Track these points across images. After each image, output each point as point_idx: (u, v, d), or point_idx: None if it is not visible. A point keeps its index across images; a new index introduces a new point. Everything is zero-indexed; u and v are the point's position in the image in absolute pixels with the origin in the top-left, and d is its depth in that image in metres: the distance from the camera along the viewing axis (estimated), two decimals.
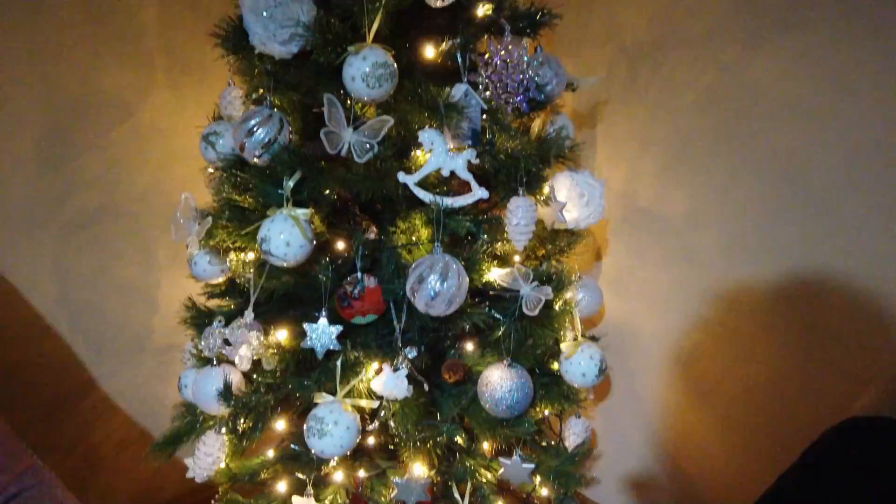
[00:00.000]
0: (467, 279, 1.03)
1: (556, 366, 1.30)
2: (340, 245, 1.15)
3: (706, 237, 1.38)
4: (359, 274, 1.11)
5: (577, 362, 1.20)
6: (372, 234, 1.16)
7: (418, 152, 1.10)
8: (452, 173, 1.05)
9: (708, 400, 1.46)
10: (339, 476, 1.20)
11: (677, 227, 1.43)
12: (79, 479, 1.57)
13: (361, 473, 1.21)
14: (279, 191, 1.02)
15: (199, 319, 1.31)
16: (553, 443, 1.35)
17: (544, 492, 1.29)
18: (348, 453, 1.05)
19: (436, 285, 1.00)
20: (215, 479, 1.23)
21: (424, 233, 1.12)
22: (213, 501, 1.18)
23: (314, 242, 1.03)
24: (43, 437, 1.49)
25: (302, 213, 1.02)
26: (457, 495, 1.18)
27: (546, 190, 1.16)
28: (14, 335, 1.41)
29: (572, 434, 1.34)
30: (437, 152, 1.04)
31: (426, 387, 1.15)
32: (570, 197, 1.20)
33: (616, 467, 1.70)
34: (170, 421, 1.35)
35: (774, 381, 1.32)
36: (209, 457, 1.18)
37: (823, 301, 1.20)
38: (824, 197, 1.18)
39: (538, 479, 1.26)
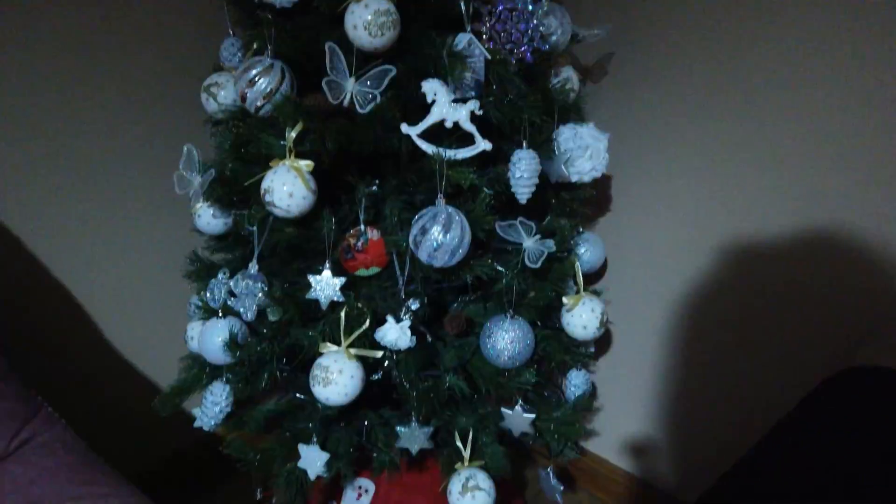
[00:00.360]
0: (470, 231, 1.03)
1: (555, 319, 1.32)
2: (343, 198, 1.15)
3: (712, 192, 1.38)
4: (362, 226, 1.12)
5: (578, 315, 1.21)
6: (375, 186, 1.16)
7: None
8: (456, 125, 1.04)
9: (709, 352, 1.48)
10: (342, 424, 1.22)
11: (682, 183, 1.43)
12: (84, 425, 1.60)
13: (365, 422, 1.23)
14: (281, 142, 1.02)
15: (204, 272, 1.32)
16: (554, 394, 1.38)
17: (544, 441, 1.32)
18: (352, 402, 1.07)
19: (438, 237, 1.00)
20: (222, 429, 1.25)
21: (427, 185, 1.12)
22: (220, 448, 1.21)
23: (317, 194, 1.03)
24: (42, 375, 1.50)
25: (304, 164, 1.02)
26: (459, 443, 1.21)
27: (550, 143, 1.16)
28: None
29: (573, 386, 1.37)
30: (441, 103, 1.03)
31: (429, 338, 1.17)
32: (573, 150, 1.20)
33: (616, 420, 1.73)
34: (176, 373, 1.37)
35: (776, 334, 1.33)
36: (216, 406, 1.20)
37: (828, 255, 1.20)
38: (831, 150, 1.17)
39: (539, 429, 1.29)
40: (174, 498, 1.76)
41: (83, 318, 1.55)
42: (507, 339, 1.11)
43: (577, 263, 1.24)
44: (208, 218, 1.25)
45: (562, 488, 1.31)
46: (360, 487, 1.50)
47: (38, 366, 1.47)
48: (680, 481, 1.62)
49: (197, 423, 1.26)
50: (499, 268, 1.14)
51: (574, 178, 1.22)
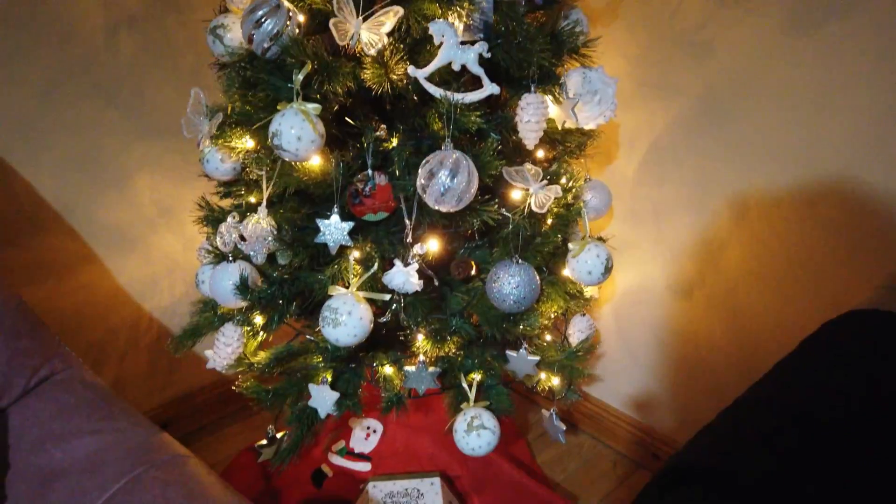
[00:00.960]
0: (477, 176, 1.03)
1: (565, 272, 1.33)
2: (351, 142, 1.16)
3: (723, 136, 1.37)
4: (369, 171, 1.12)
5: (583, 260, 1.22)
6: (382, 131, 1.16)
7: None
8: (463, 68, 1.03)
9: (715, 297, 1.49)
10: (352, 365, 1.25)
11: (692, 127, 1.42)
12: (94, 365, 1.64)
13: (374, 363, 1.26)
14: (289, 84, 1.01)
15: (213, 217, 1.33)
16: (558, 338, 1.40)
17: (548, 384, 1.35)
18: (361, 343, 1.09)
19: (446, 181, 1.00)
20: (234, 370, 1.29)
21: (435, 129, 1.12)
22: (233, 387, 1.24)
23: (325, 138, 1.04)
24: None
25: (312, 107, 1.02)
26: (464, 385, 1.24)
27: (558, 87, 1.15)
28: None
29: (577, 331, 1.39)
30: (448, 45, 1.02)
31: (436, 282, 1.18)
32: (582, 95, 1.19)
33: (618, 366, 1.76)
34: (188, 315, 1.40)
35: (787, 280, 1.34)
36: (228, 347, 1.23)
37: (842, 202, 1.21)
38: (843, 99, 1.16)
39: (542, 372, 1.32)
40: (188, 437, 1.82)
41: (91, 257, 1.58)
42: (512, 284, 1.13)
43: (584, 209, 1.24)
44: (217, 163, 1.25)
45: (564, 429, 1.35)
46: (368, 427, 1.55)
47: (49, 307, 1.51)
48: (679, 425, 1.66)
49: (210, 365, 1.29)
50: (505, 213, 1.14)
51: (582, 124, 1.21)
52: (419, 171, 1.02)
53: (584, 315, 1.40)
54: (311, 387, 1.20)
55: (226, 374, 1.33)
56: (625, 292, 1.69)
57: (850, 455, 0.69)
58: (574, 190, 1.23)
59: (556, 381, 1.33)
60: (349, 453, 1.53)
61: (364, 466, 1.51)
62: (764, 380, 0.86)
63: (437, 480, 1.41)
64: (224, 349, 1.24)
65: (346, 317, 1.05)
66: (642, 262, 1.61)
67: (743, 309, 1.43)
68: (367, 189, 1.12)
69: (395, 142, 1.13)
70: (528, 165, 1.13)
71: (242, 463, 1.54)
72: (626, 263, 1.63)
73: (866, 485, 0.66)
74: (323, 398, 1.19)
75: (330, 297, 1.09)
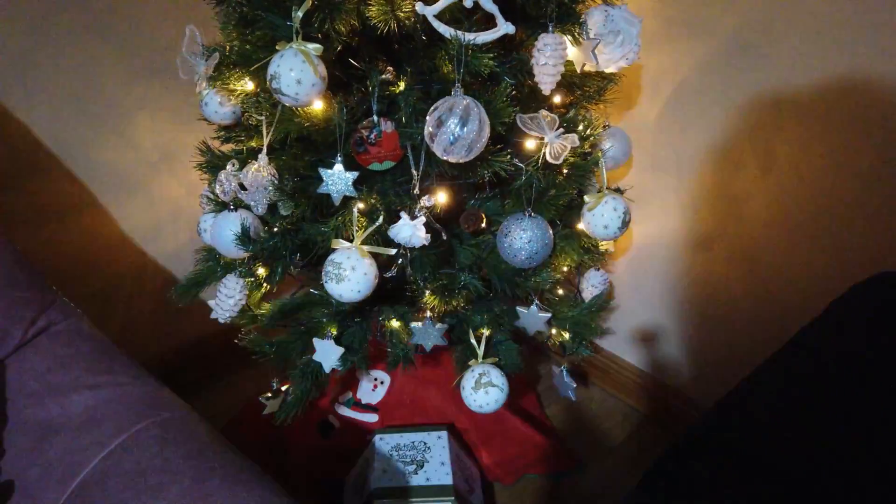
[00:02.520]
0: (489, 124, 0.97)
1: (579, 226, 1.28)
2: (355, 86, 1.09)
3: (754, 80, 1.28)
4: (375, 117, 1.06)
5: (599, 214, 1.16)
6: (389, 74, 1.09)
7: None
8: (476, 5, 0.95)
9: (736, 250, 1.43)
10: (357, 319, 1.22)
11: (721, 70, 1.33)
12: (98, 313, 1.63)
13: (380, 318, 1.23)
14: (288, 22, 0.94)
15: (214, 163, 1.28)
16: (570, 293, 1.36)
17: (559, 339, 1.32)
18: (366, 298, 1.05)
19: (455, 129, 0.94)
20: (237, 321, 1.26)
21: (444, 73, 1.05)
22: (235, 340, 1.22)
23: (327, 81, 0.97)
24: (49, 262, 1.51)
25: (313, 48, 0.94)
26: (473, 341, 1.20)
27: (578, 27, 1.06)
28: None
29: (590, 286, 1.34)
30: None
31: (444, 235, 1.13)
32: (603, 35, 1.10)
33: (631, 318, 1.72)
34: (193, 265, 1.37)
35: (813, 233, 1.27)
36: (230, 298, 1.20)
37: (880, 149, 1.13)
38: (888, 40, 1.07)
39: (554, 328, 1.28)
40: (191, 387, 1.82)
41: (92, 201, 1.54)
42: (524, 239, 1.08)
43: (602, 160, 1.17)
44: (215, 106, 1.19)
45: (575, 386, 1.32)
46: (375, 379, 1.53)
47: (50, 252, 1.48)
48: (692, 379, 1.63)
49: (213, 315, 1.26)
50: (518, 164, 1.08)
51: (603, 67, 1.13)
52: (427, 118, 0.96)
53: (598, 269, 1.35)
54: (316, 341, 1.17)
55: (232, 323, 1.30)
56: (641, 244, 1.63)
57: (881, 436, 0.65)
58: (592, 138, 1.15)
59: (567, 336, 1.29)
60: (356, 404, 1.52)
61: (371, 418, 1.50)
62: (790, 347, 0.82)
63: (444, 434, 1.40)
64: (226, 301, 1.20)
65: (350, 272, 1.01)
66: (661, 214, 1.55)
67: (764, 262, 1.37)
68: (372, 136, 1.06)
69: (402, 86, 1.06)
70: (543, 112, 1.06)
71: (249, 413, 1.53)
72: (644, 215, 1.57)
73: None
74: (327, 353, 1.16)
75: (333, 250, 1.04)
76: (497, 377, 1.17)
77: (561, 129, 1.06)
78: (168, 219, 1.69)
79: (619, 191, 1.23)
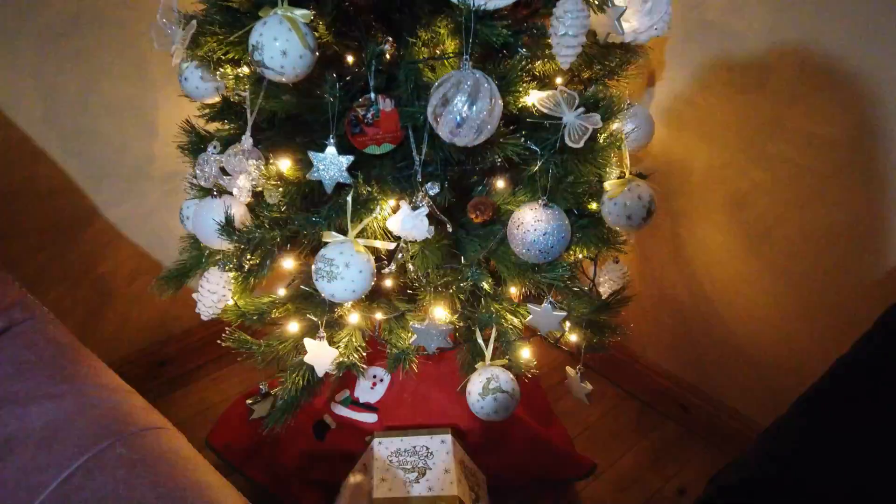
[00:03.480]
0: (501, 102, 0.85)
1: (593, 206, 1.16)
2: (350, 59, 0.97)
3: (786, 58, 1.16)
4: (372, 95, 0.94)
5: (622, 203, 1.05)
6: (387, 45, 0.97)
7: None
8: None
9: (760, 247, 1.33)
10: (354, 318, 1.11)
11: (751, 47, 1.21)
12: (90, 309, 1.54)
13: (378, 316, 1.12)
14: None
15: (198, 145, 1.17)
16: (586, 289, 1.24)
17: (573, 338, 1.21)
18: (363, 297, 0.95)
19: (463, 109, 0.82)
20: (223, 317, 1.15)
21: (451, 44, 0.93)
22: (218, 341, 1.11)
23: (317, 53, 0.85)
24: (46, 268, 1.43)
25: (301, 14, 0.83)
26: (480, 342, 1.10)
27: None
28: None
29: (608, 280, 1.23)
30: None
31: (449, 227, 1.02)
32: (630, 2, 0.98)
33: (645, 309, 1.61)
34: (178, 253, 1.27)
35: (842, 228, 1.17)
36: (213, 294, 1.09)
37: None
38: None
39: (568, 325, 1.17)
40: (186, 376, 1.73)
41: (71, 187, 1.43)
42: (539, 231, 0.96)
43: (625, 144, 1.05)
44: (196, 81, 1.07)
45: (590, 389, 1.21)
46: (374, 377, 1.43)
47: (19, 248, 1.38)
48: (709, 376, 1.53)
49: (197, 310, 1.16)
50: (533, 147, 0.96)
51: (629, 39, 1.01)
52: (431, 95, 0.84)
53: (616, 262, 1.24)
54: (308, 341, 1.06)
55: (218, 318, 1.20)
56: (660, 235, 1.52)
57: None
58: (615, 119, 1.03)
59: (583, 336, 1.19)
60: (354, 403, 1.42)
61: (370, 417, 1.40)
62: (830, 380, 0.71)
63: (448, 438, 1.30)
64: (209, 296, 1.10)
65: (344, 269, 0.90)
66: (681, 202, 1.43)
67: (790, 258, 1.26)
68: (369, 116, 0.95)
69: (402, 59, 0.94)
70: (561, 89, 0.93)
71: (238, 411, 1.43)
72: (664, 203, 1.45)
73: None
74: (320, 354, 1.06)
75: (325, 244, 0.93)
76: (507, 382, 1.07)
77: (581, 109, 0.94)
78: (152, 206, 1.58)
79: (641, 176, 1.12)
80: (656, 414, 1.66)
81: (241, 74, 0.98)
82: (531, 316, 1.12)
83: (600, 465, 1.46)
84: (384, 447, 1.29)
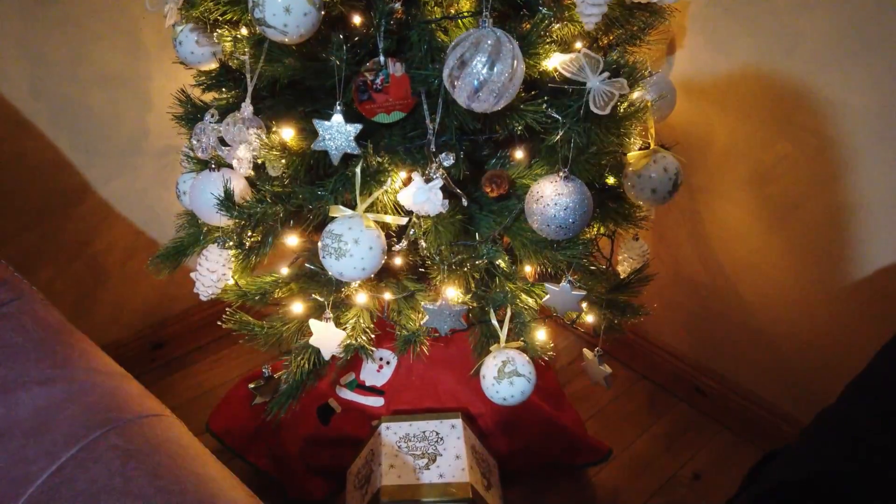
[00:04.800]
0: (523, 65, 0.78)
1: (612, 180, 1.11)
2: (357, 19, 0.90)
3: (816, 23, 1.09)
4: (381, 58, 0.87)
5: (647, 175, 0.99)
6: (398, 4, 0.90)
7: None
8: None
9: (783, 224, 1.27)
10: (361, 298, 1.05)
11: (779, 9, 1.14)
12: (83, 289, 1.48)
13: (387, 296, 1.06)
14: None
15: (194, 115, 1.10)
16: (604, 267, 1.19)
17: (589, 318, 1.16)
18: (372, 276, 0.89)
19: (482, 71, 0.76)
20: (223, 298, 1.10)
21: (467, 2, 0.86)
22: (219, 322, 1.05)
23: (322, 11, 0.78)
24: (36, 247, 1.36)
25: None
26: (495, 322, 1.04)
27: None
28: None
29: (627, 258, 1.17)
30: None
31: (464, 201, 0.96)
32: None
33: (659, 288, 1.56)
34: (175, 231, 1.21)
35: (870, 204, 1.11)
36: (213, 273, 1.03)
37: None
38: None
39: (585, 306, 1.11)
40: (178, 362, 1.68)
41: (61, 162, 1.36)
42: (559, 206, 0.90)
43: (650, 112, 0.99)
44: (191, 45, 1.00)
45: (609, 372, 1.16)
46: (381, 359, 1.38)
47: (7, 226, 1.32)
48: (725, 357, 1.48)
49: (195, 290, 1.10)
50: (554, 114, 0.89)
51: None
52: (447, 57, 0.77)
53: (636, 239, 1.18)
54: (313, 323, 1.00)
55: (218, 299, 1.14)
56: (678, 211, 1.46)
57: None
58: (639, 85, 0.97)
59: (597, 317, 1.14)
60: (360, 386, 1.37)
61: (376, 401, 1.35)
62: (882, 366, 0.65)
63: (458, 423, 1.25)
64: (208, 276, 1.04)
65: (353, 245, 0.84)
66: (701, 177, 1.37)
67: (815, 237, 1.21)
68: (378, 82, 0.88)
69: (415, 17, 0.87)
70: (585, 52, 0.87)
71: (240, 395, 1.38)
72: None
73: None
74: (327, 336, 1.00)
75: (332, 219, 0.87)
76: (523, 366, 1.01)
77: (606, 74, 0.87)
78: (147, 181, 1.51)
79: (665, 148, 1.06)
80: (670, 397, 1.61)
81: (239, 36, 0.91)
82: (548, 296, 1.06)
83: (613, 450, 1.41)
84: (392, 432, 1.24)
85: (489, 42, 0.75)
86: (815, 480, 0.54)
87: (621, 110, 0.94)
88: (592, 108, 0.86)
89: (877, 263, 1.16)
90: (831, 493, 0.51)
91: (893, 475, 0.52)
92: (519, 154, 1.01)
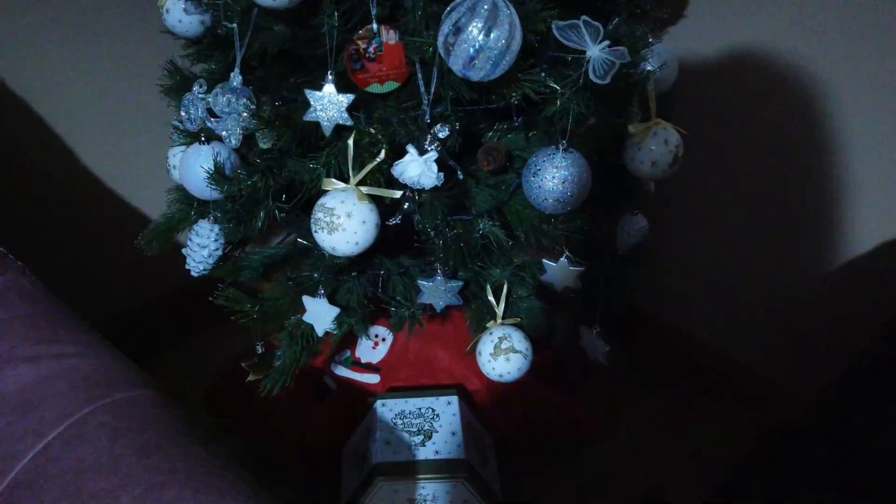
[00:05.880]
0: (521, 31, 0.76)
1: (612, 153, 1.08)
2: None
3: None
4: (374, 25, 0.84)
5: (647, 148, 0.97)
6: None
7: None
8: None
9: (779, 194, 1.25)
10: (354, 274, 1.04)
11: None
12: (71, 265, 1.45)
13: (381, 272, 1.04)
14: None
15: (183, 86, 1.07)
16: (604, 243, 1.17)
17: (587, 294, 1.14)
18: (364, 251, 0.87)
19: (479, 37, 0.73)
20: (215, 274, 1.08)
21: None
22: (210, 298, 1.03)
23: None
24: (20, 221, 1.34)
25: None
26: (491, 298, 1.02)
27: None
28: None
29: (626, 234, 1.16)
30: None
31: (459, 174, 0.94)
32: None
33: (667, 269, 1.54)
34: (166, 206, 1.18)
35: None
36: (204, 248, 1.01)
37: None
38: None
39: (586, 284, 1.10)
40: (171, 341, 1.66)
41: (45, 134, 1.33)
42: (557, 179, 0.88)
43: (651, 82, 0.97)
44: (179, 13, 0.97)
45: (608, 349, 1.15)
46: (376, 336, 1.36)
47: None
48: (724, 331, 1.47)
49: (186, 266, 1.08)
50: (553, 84, 0.87)
51: None
52: (442, 23, 0.75)
53: (635, 214, 1.16)
54: (306, 299, 0.99)
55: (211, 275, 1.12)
56: (677, 182, 1.43)
57: None
58: (642, 53, 0.94)
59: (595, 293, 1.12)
60: (355, 363, 1.36)
61: (372, 378, 1.34)
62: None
63: (454, 399, 1.24)
64: (199, 251, 1.02)
65: (345, 220, 0.82)
66: (701, 147, 1.35)
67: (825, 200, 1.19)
68: (371, 50, 0.85)
69: None
70: (584, 19, 0.84)
71: (233, 373, 1.36)
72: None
73: None
74: (320, 313, 0.99)
75: (324, 192, 0.85)
76: (520, 342, 1.00)
77: (606, 42, 0.85)
78: (141, 153, 1.48)
79: (666, 120, 1.03)
80: (668, 373, 1.60)
81: (228, 2, 0.88)
82: (546, 271, 1.05)
83: (609, 427, 1.41)
84: (388, 409, 1.23)
85: (485, 7, 0.73)
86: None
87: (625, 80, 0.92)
88: (592, 77, 0.83)
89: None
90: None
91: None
92: (516, 126, 0.99)
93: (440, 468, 1.12)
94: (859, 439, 0.55)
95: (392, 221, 0.93)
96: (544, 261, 1.03)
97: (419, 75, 0.85)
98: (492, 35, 0.73)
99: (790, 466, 0.54)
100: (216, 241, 1.02)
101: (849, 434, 0.56)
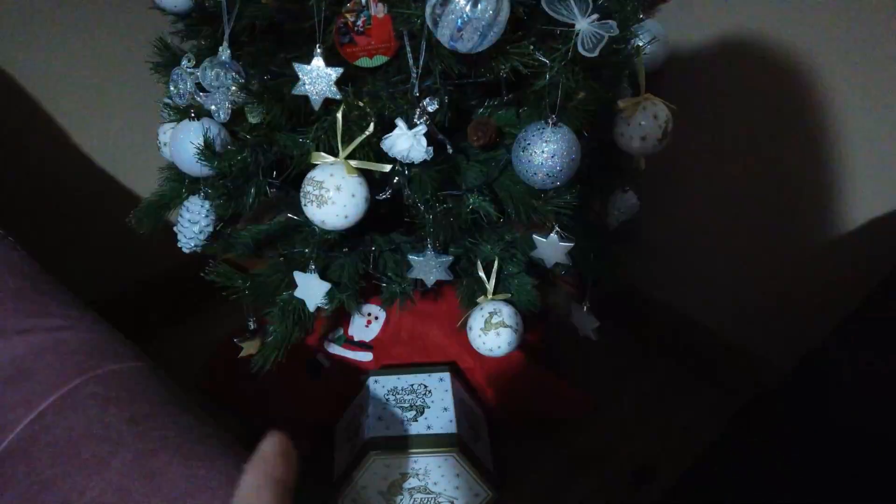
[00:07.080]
0: (508, 2, 0.76)
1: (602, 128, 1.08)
2: None
3: None
4: None
5: (636, 123, 0.97)
6: None
7: None
8: None
9: (772, 175, 1.25)
10: (345, 249, 1.04)
11: None
12: (61, 244, 1.45)
13: (373, 248, 1.05)
14: None
15: (172, 62, 1.07)
16: (594, 219, 1.18)
17: (577, 270, 1.15)
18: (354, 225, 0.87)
19: (466, 8, 0.73)
20: (206, 250, 1.08)
21: None
22: (202, 274, 1.04)
23: None
24: (10, 197, 1.33)
25: None
26: (482, 274, 1.03)
27: None
28: None
29: (617, 210, 1.16)
30: None
31: (449, 149, 0.94)
32: None
33: (656, 247, 1.55)
34: (157, 184, 1.18)
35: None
36: (194, 225, 1.02)
37: None
38: None
39: (576, 259, 1.10)
40: (163, 321, 1.66)
41: (38, 113, 1.33)
42: (546, 153, 0.88)
43: (641, 58, 0.97)
44: None
45: (598, 324, 1.16)
46: (369, 314, 1.37)
47: None
48: (715, 309, 1.48)
49: (178, 243, 1.09)
50: (541, 58, 0.87)
51: None
52: None
53: (626, 191, 1.17)
54: (297, 274, 0.99)
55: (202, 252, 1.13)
56: (668, 159, 1.44)
57: None
58: (632, 29, 0.94)
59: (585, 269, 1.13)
60: (348, 341, 1.36)
61: (365, 356, 1.35)
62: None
63: (446, 376, 1.25)
64: (190, 227, 1.02)
65: (334, 193, 0.82)
66: (692, 122, 1.35)
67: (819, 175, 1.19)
68: (359, 23, 0.85)
69: None
70: None
71: (226, 350, 1.37)
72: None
73: None
74: (311, 288, 0.99)
75: (313, 166, 0.85)
76: (510, 316, 1.01)
77: (595, 15, 0.85)
78: (132, 129, 1.48)
79: (656, 95, 1.03)
80: (657, 351, 1.62)
81: None
82: (536, 247, 1.05)
83: (600, 405, 1.42)
84: (381, 385, 1.24)
85: None
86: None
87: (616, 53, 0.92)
88: (580, 50, 0.83)
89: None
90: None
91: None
92: (506, 101, 0.99)
93: (432, 443, 1.14)
94: (829, 409, 0.56)
95: (382, 196, 0.93)
96: (534, 236, 1.03)
97: (407, 48, 0.85)
98: (479, 6, 0.73)
99: (764, 436, 0.56)
100: (207, 216, 1.02)
101: (819, 405, 0.57)
